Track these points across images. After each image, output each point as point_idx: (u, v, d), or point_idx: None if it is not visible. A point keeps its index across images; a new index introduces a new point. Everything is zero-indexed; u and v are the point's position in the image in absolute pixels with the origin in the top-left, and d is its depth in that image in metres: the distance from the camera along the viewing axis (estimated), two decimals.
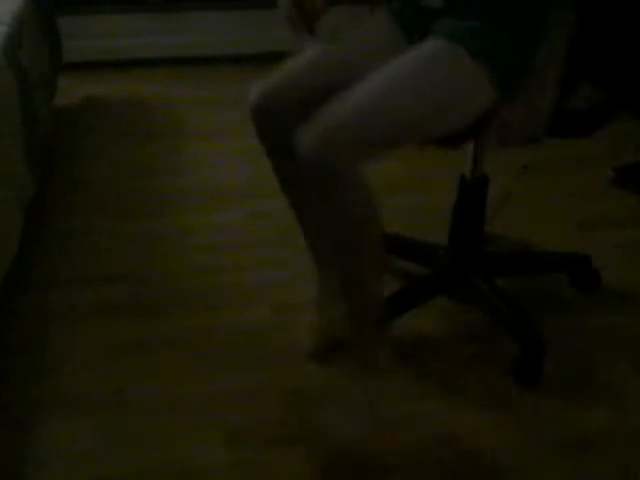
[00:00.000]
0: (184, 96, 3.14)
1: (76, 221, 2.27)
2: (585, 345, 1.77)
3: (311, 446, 1.51)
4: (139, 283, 1.99)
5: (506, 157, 1.90)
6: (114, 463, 1.48)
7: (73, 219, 2.28)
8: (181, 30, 3.43)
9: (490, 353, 1.75)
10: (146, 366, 1.71)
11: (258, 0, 3.45)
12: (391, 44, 1.54)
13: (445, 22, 1.45)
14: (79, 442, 1.52)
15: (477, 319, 1.84)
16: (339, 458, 1.48)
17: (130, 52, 3.40)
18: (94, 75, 3.30)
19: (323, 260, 1.69)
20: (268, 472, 1.46)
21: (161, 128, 2.86)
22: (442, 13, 1.48)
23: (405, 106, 1.33)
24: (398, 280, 1.92)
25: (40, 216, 2.24)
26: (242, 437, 1.53)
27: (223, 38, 3.46)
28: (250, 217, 2.29)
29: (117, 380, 1.68)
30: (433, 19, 1.49)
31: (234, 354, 1.75)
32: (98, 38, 3.35)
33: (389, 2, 1.62)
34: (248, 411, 1.59)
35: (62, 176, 2.52)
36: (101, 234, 2.20)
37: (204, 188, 2.45)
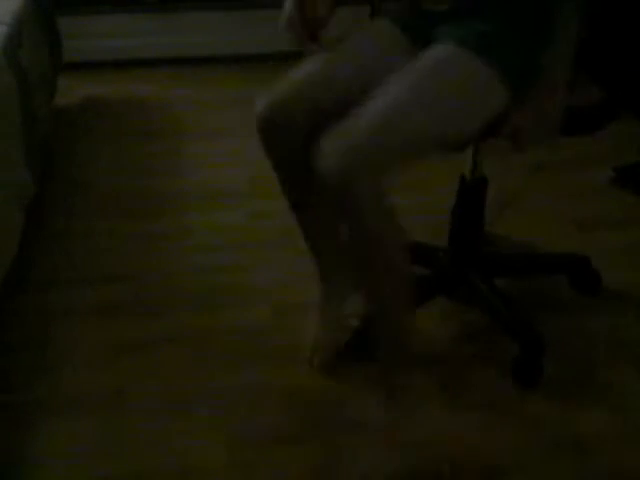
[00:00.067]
0: (184, 96, 3.13)
1: (76, 221, 2.27)
2: (585, 346, 1.77)
3: (311, 446, 1.51)
4: (139, 283, 1.99)
5: (506, 158, 1.90)
6: (114, 463, 1.48)
7: (73, 219, 2.28)
8: (181, 30, 3.43)
9: (490, 353, 1.75)
10: (146, 366, 1.72)
11: (258, 0, 3.45)
12: (395, 50, 1.53)
13: (452, 27, 1.44)
14: (79, 442, 1.52)
15: (477, 319, 1.84)
16: (339, 458, 1.48)
17: (130, 52, 3.39)
18: (94, 75, 3.30)
19: (325, 262, 1.68)
20: (268, 472, 1.46)
21: (161, 128, 2.86)
22: (446, 17, 1.47)
23: (422, 119, 1.32)
24: None
25: (40, 216, 2.24)
26: (242, 437, 1.53)
27: (223, 38, 3.46)
28: (250, 217, 2.29)
29: (117, 380, 1.68)
30: (435, 23, 1.49)
31: (234, 354, 1.75)
32: (98, 38, 3.34)
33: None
34: (248, 411, 1.59)
35: (62, 176, 2.51)
36: (101, 234, 2.20)
37: (204, 188, 2.45)
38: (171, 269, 2.05)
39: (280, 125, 1.49)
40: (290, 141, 1.50)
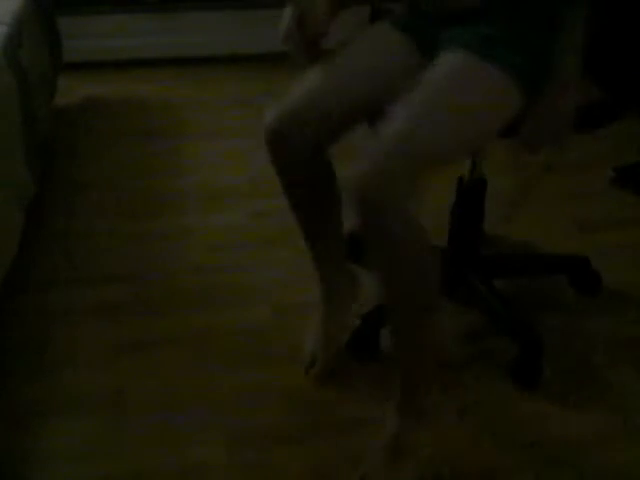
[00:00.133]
0: (184, 96, 3.14)
1: (76, 221, 2.27)
2: (585, 346, 1.77)
3: (311, 446, 1.51)
4: (139, 283, 1.99)
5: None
6: (114, 463, 1.48)
7: (73, 219, 2.28)
8: (181, 30, 3.43)
9: (489, 354, 1.75)
10: (146, 366, 1.72)
11: (258, 0, 3.45)
12: (401, 54, 1.52)
13: (458, 32, 1.44)
14: (79, 442, 1.52)
15: (476, 320, 1.84)
16: (339, 458, 1.48)
17: (130, 52, 3.40)
18: (94, 75, 3.30)
19: (325, 263, 1.68)
20: (268, 472, 1.46)
21: (161, 128, 2.86)
22: (449, 20, 1.48)
23: (447, 129, 1.31)
24: None
25: (40, 216, 2.24)
26: (242, 437, 1.53)
27: (223, 38, 3.46)
28: (250, 217, 2.29)
29: (117, 380, 1.68)
30: (438, 26, 1.49)
31: (234, 354, 1.75)
32: (98, 38, 3.34)
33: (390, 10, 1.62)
34: (248, 411, 1.59)
35: (62, 176, 2.51)
36: (101, 234, 2.20)
37: (204, 188, 2.45)
38: (171, 269, 2.05)
39: (290, 136, 1.47)
40: (299, 152, 1.49)
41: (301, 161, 1.50)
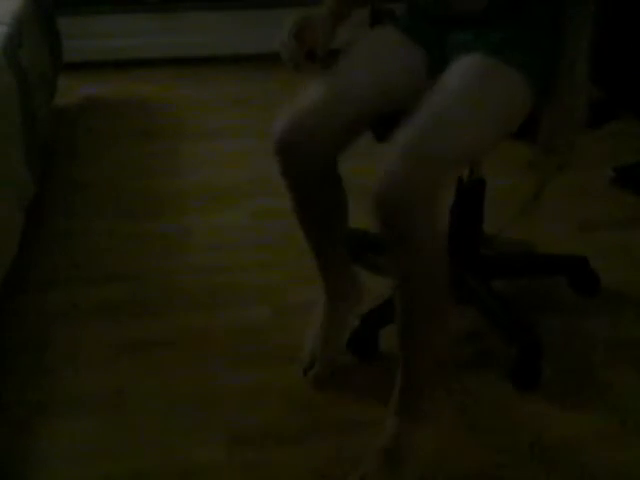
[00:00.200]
0: (184, 96, 3.14)
1: (76, 221, 2.27)
2: (584, 346, 1.77)
3: (311, 446, 1.51)
4: (139, 283, 1.99)
5: (504, 158, 1.90)
6: (114, 463, 1.48)
7: (73, 219, 2.28)
8: (181, 30, 3.43)
9: (488, 355, 1.75)
10: (146, 366, 1.72)
11: (258, 0, 3.45)
12: (407, 59, 1.52)
13: (468, 36, 1.45)
14: (79, 442, 1.52)
15: (476, 320, 1.83)
16: (339, 458, 1.48)
17: (130, 52, 3.40)
18: (94, 75, 3.30)
19: (327, 263, 1.67)
20: (268, 472, 1.46)
21: (161, 128, 2.86)
22: (455, 23, 1.48)
23: (466, 131, 1.32)
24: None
25: (40, 216, 2.24)
26: (242, 437, 1.53)
27: (223, 38, 3.46)
28: (250, 217, 2.29)
29: (117, 380, 1.68)
30: (445, 30, 1.50)
31: (234, 354, 1.75)
32: (98, 38, 3.35)
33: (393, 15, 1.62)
34: (248, 411, 1.59)
35: (62, 176, 2.52)
36: (101, 234, 2.20)
37: (204, 188, 2.45)
38: (171, 269, 2.05)
39: (300, 147, 1.45)
40: (310, 162, 1.47)
41: (311, 171, 1.49)
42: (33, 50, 2.31)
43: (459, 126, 1.31)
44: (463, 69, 1.39)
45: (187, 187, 2.46)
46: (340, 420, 1.57)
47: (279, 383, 1.66)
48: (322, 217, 1.58)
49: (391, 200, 1.25)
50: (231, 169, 2.57)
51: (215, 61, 3.43)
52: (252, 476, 1.45)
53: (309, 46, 1.43)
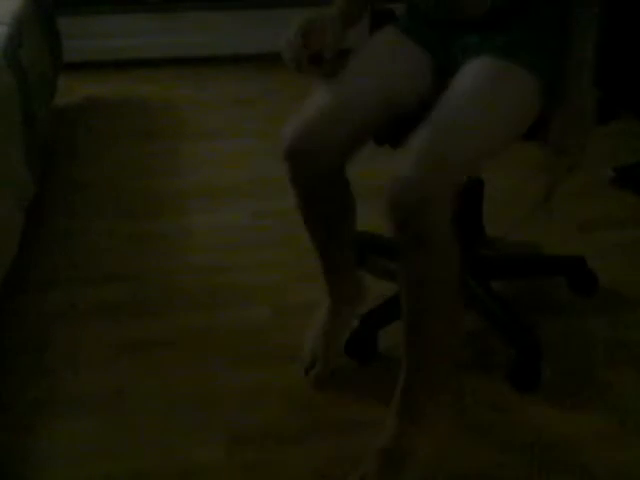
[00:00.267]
0: (184, 96, 3.14)
1: (76, 221, 2.27)
2: (584, 346, 1.77)
3: (311, 446, 1.51)
4: (139, 283, 1.99)
5: (504, 158, 1.90)
6: (114, 463, 1.48)
7: (73, 219, 2.28)
8: (181, 30, 3.43)
9: (488, 356, 1.75)
10: (146, 366, 1.72)
11: (258, 0, 3.46)
12: (412, 62, 1.52)
13: (476, 39, 1.46)
14: (79, 442, 1.52)
15: (474, 322, 1.83)
16: (339, 458, 1.48)
17: (130, 52, 3.40)
18: (94, 75, 3.30)
19: (331, 264, 1.66)
20: (268, 472, 1.46)
21: (161, 128, 2.86)
22: (461, 28, 1.48)
23: (480, 133, 1.32)
24: (394, 283, 1.92)
25: (40, 216, 2.24)
26: (242, 437, 1.53)
27: (223, 38, 3.46)
28: (250, 217, 2.29)
29: (117, 380, 1.68)
30: (451, 34, 1.50)
31: (234, 354, 1.75)
32: (98, 38, 3.35)
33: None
34: (248, 411, 1.59)
35: (62, 176, 2.52)
36: (101, 234, 2.20)
37: (204, 188, 2.45)
38: (171, 269, 2.06)
39: (312, 153, 1.44)
40: (320, 170, 1.47)
41: (321, 177, 1.48)
42: (33, 50, 2.31)
43: (473, 129, 1.32)
44: (474, 72, 1.39)
45: (187, 187, 2.46)
46: (340, 420, 1.57)
47: (279, 383, 1.66)
48: (329, 221, 1.58)
49: (407, 205, 1.25)
50: (231, 169, 2.57)
51: (215, 61, 3.44)
52: (252, 476, 1.45)
53: (314, 49, 1.43)
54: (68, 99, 3.04)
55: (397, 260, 1.35)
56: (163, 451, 1.50)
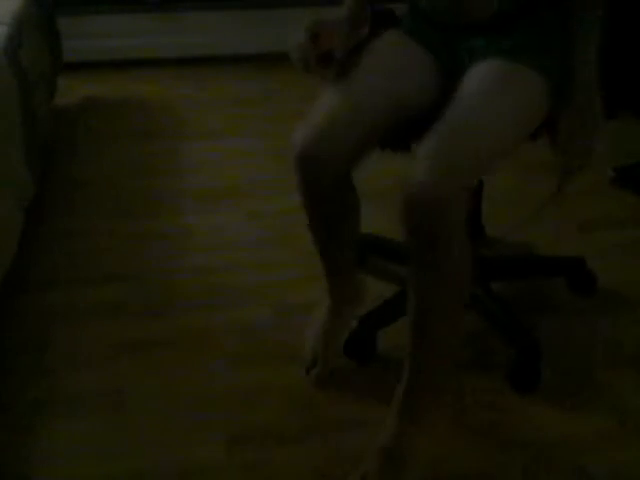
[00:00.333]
0: (184, 96, 3.14)
1: (76, 221, 2.27)
2: (583, 347, 1.77)
3: (311, 446, 1.51)
4: (139, 283, 2.00)
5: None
6: (114, 463, 1.48)
7: (73, 219, 2.28)
8: (181, 30, 3.43)
9: (488, 356, 1.75)
10: (146, 366, 1.72)
11: (258, 0, 3.46)
12: (419, 65, 1.52)
13: (484, 42, 1.46)
14: (79, 442, 1.52)
15: (474, 323, 1.83)
16: (339, 458, 1.48)
17: (130, 52, 3.40)
18: (94, 75, 3.30)
19: (337, 273, 1.65)
20: (268, 472, 1.46)
21: (161, 128, 2.86)
22: (466, 31, 1.48)
23: (492, 135, 1.33)
24: (394, 284, 1.92)
25: (40, 216, 2.24)
26: (242, 437, 1.53)
27: (223, 38, 3.46)
28: (250, 217, 2.29)
29: (117, 380, 1.68)
30: (456, 37, 1.50)
31: (234, 354, 1.75)
32: (98, 38, 3.35)
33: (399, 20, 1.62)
34: (248, 411, 1.59)
35: (62, 176, 2.52)
36: (101, 234, 2.20)
37: (204, 188, 2.45)
38: (171, 269, 2.06)
39: (323, 159, 1.44)
40: (330, 173, 1.46)
41: (330, 182, 1.48)
42: (33, 50, 2.31)
43: (485, 131, 1.32)
44: (483, 74, 1.40)
45: (187, 187, 2.46)
46: (340, 420, 1.57)
47: (279, 383, 1.67)
48: (334, 224, 1.57)
49: (423, 208, 1.26)
50: (231, 169, 2.57)
51: (215, 61, 3.44)
52: (252, 476, 1.45)
53: (323, 50, 1.42)
54: (68, 99, 3.04)
55: (408, 263, 1.35)
56: (163, 451, 1.50)
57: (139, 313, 1.89)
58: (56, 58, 2.73)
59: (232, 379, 1.68)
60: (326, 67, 1.44)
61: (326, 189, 1.49)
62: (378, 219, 1.92)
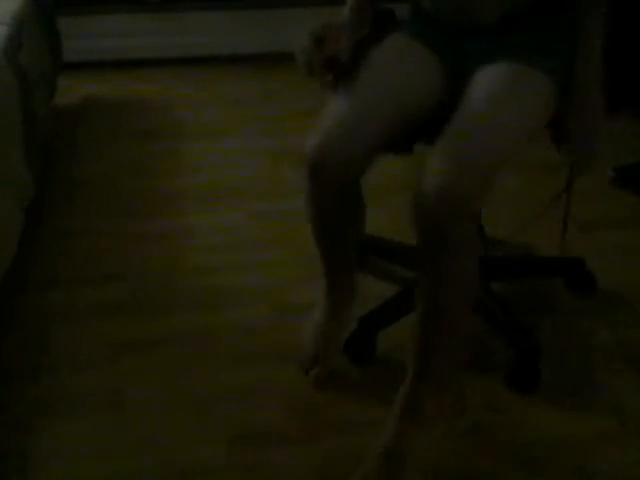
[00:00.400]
0: (184, 96, 3.14)
1: (76, 221, 2.27)
2: (583, 347, 1.77)
3: (311, 446, 1.51)
4: (139, 283, 2.00)
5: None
6: (114, 463, 1.48)
7: (73, 219, 2.28)
8: (181, 30, 3.43)
9: (488, 357, 1.75)
10: (146, 366, 1.72)
11: (258, 0, 3.45)
12: (426, 68, 1.53)
13: (491, 44, 1.46)
14: (79, 442, 1.52)
15: (474, 323, 1.83)
16: (339, 458, 1.48)
17: (130, 52, 3.40)
18: (94, 75, 3.30)
19: (337, 273, 1.65)
20: (268, 472, 1.46)
21: (161, 128, 2.86)
22: (470, 33, 1.48)
23: (504, 137, 1.33)
24: (393, 285, 1.92)
25: (40, 216, 2.24)
26: (242, 437, 1.53)
27: (223, 38, 3.46)
28: (250, 217, 2.29)
29: (117, 380, 1.68)
30: (461, 40, 1.50)
31: (234, 354, 1.75)
32: (98, 38, 3.34)
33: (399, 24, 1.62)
34: (248, 411, 1.59)
35: (62, 176, 2.51)
36: (101, 234, 2.20)
37: (204, 188, 2.45)
38: (171, 269, 2.05)
39: (335, 167, 1.43)
40: (341, 180, 1.46)
41: (339, 189, 1.48)
42: (33, 50, 2.31)
43: (498, 132, 1.33)
44: (492, 76, 1.40)
45: (187, 187, 2.46)
46: (340, 420, 1.57)
47: (279, 383, 1.67)
48: (339, 228, 1.57)
49: (439, 212, 1.27)
50: (231, 169, 2.57)
51: (215, 61, 3.43)
52: (252, 476, 1.45)
53: (328, 54, 1.43)
54: (68, 99, 3.03)
55: (416, 263, 1.35)
56: (163, 451, 1.50)
57: (139, 313, 1.89)
58: (56, 58, 2.72)
59: (232, 379, 1.68)
60: (330, 71, 1.44)
61: (336, 196, 1.49)
62: (378, 219, 1.92)
